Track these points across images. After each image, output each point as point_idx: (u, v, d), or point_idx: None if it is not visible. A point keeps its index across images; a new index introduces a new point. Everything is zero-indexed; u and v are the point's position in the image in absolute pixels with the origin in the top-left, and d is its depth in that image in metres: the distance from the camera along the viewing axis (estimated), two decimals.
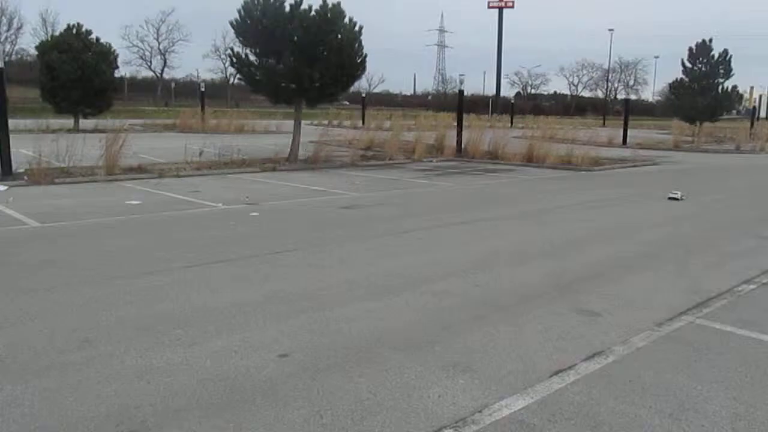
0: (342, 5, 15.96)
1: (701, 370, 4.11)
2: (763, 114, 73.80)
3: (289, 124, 18.60)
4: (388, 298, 5.44)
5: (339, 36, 16.01)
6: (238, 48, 16.73)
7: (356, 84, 23.20)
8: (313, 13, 15.72)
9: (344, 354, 4.18)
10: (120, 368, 3.87)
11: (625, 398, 3.68)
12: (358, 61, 16.64)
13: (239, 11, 15.70)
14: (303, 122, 17.96)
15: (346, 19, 16.12)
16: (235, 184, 12.70)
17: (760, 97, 63.66)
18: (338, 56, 15.98)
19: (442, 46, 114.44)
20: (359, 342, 4.41)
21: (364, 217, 9.58)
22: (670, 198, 11.61)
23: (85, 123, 25.46)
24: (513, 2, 79.25)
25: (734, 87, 33.93)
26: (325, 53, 15.93)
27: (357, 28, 16.27)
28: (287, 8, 15.57)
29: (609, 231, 8.97)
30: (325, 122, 38.25)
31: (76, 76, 24.93)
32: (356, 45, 16.39)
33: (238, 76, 21.43)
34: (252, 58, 16.36)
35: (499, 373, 3.97)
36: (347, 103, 55.06)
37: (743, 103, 63.82)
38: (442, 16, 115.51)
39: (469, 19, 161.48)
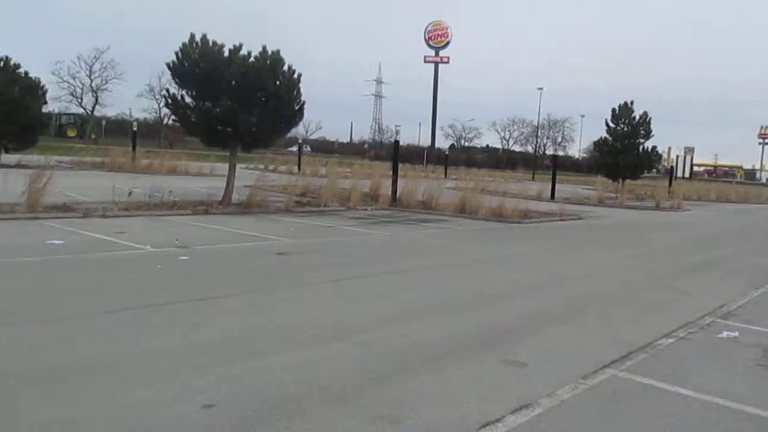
0: (282, 53, 16.14)
1: (621, 423, 4.22)
2: (679, 173, 78.44)
3: (223, 167, 18.37)
4: (319, 348, 5.37)
5: (278, 82, 16.09)
6: (173, 89, 16.57)
7: (293, 130, 23.30)
8: (252, 59, 15.77)
9: (271, 406, 4.08)
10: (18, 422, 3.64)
11: None
12: (297, 108, 16.73)
13: (177, 53, 15.55)
14: (238, 166, 17.80)
15: (285, 67, 16.25)
16: (166, 227, 12.38)
17: (677, 157, 67.69)
18: (276, 102, 16.03)
19: (379, 96, 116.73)
20: (287, 393, 4.31)
21: (297, 264, 9.49)
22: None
23: (8, 158, 24.41)
24: (449, 59, 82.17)
25: (654, 147, 35.82)
26: (264, 99, 15.96)
27: (296, 76, 16.41)
28: (226, 53, 15.57)
29: (538, 282, 9.19)
30: (261, 166, 38.00)
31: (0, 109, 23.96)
32: (295, 92, 16.49)
33: (172, 116, 21.11)
34: (188, 100, 16.17)
35: (427, 425, 3.95)
36: (296, 149, 54.89)
37: (662, 162, 67.41)
38: (379, 67, 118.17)
39: (406, 72, 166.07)
